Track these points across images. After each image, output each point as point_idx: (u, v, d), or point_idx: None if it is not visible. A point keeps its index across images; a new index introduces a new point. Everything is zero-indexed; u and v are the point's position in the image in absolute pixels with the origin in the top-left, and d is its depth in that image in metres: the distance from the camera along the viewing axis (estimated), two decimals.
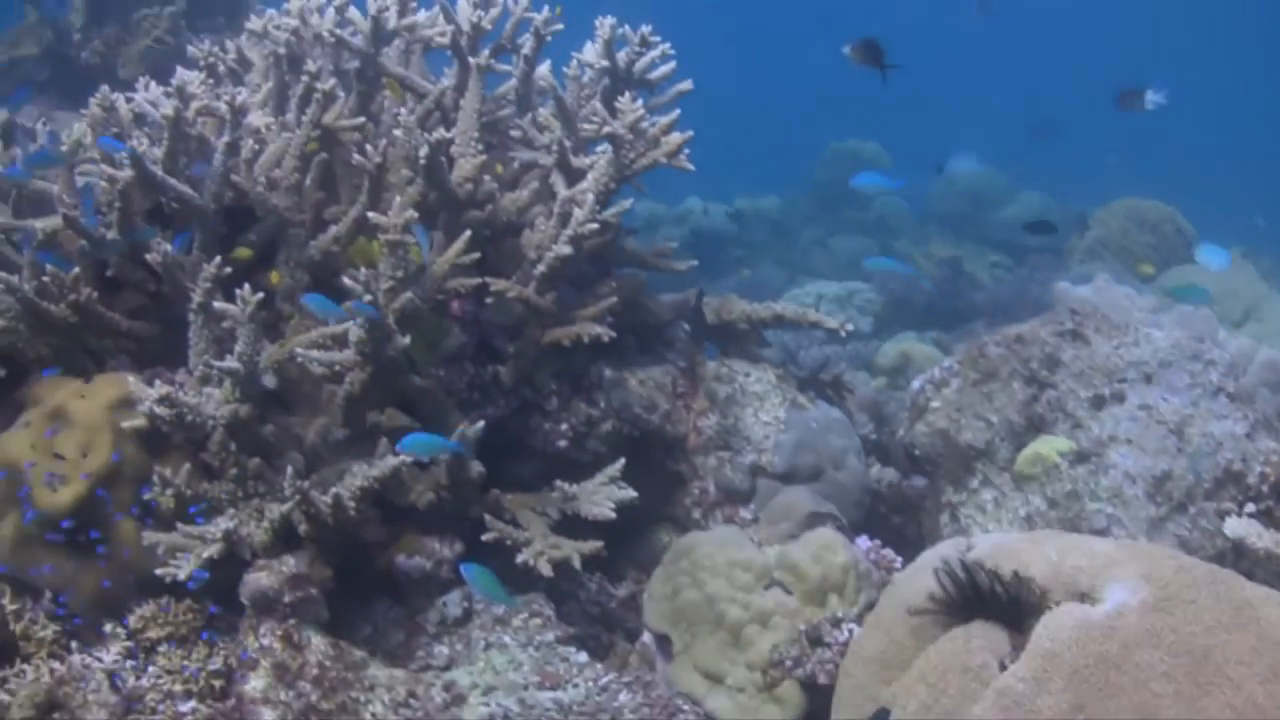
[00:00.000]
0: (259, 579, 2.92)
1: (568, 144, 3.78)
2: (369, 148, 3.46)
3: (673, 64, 4.14)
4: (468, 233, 3.41)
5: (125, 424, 3.11)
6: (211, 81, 3.94)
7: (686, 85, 4.16)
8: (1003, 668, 2.32)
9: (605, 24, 4.07)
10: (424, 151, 3.39)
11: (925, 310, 9.18)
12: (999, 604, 2.44)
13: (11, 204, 3.82)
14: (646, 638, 3.43)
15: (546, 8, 3.99)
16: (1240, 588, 2.34)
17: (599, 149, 3.79)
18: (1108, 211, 10.14)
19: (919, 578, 2.66)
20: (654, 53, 4.10)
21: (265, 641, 2.86)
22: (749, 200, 12.90)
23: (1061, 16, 31.24)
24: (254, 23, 4.06)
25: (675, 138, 3.73)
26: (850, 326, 4.23)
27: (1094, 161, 17.70)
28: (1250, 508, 3.42)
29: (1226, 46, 29.98)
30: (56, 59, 7.19)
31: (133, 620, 3.06)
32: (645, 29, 4.08)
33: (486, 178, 3.66)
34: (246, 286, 3.14)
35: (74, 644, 3.05)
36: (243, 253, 3.55)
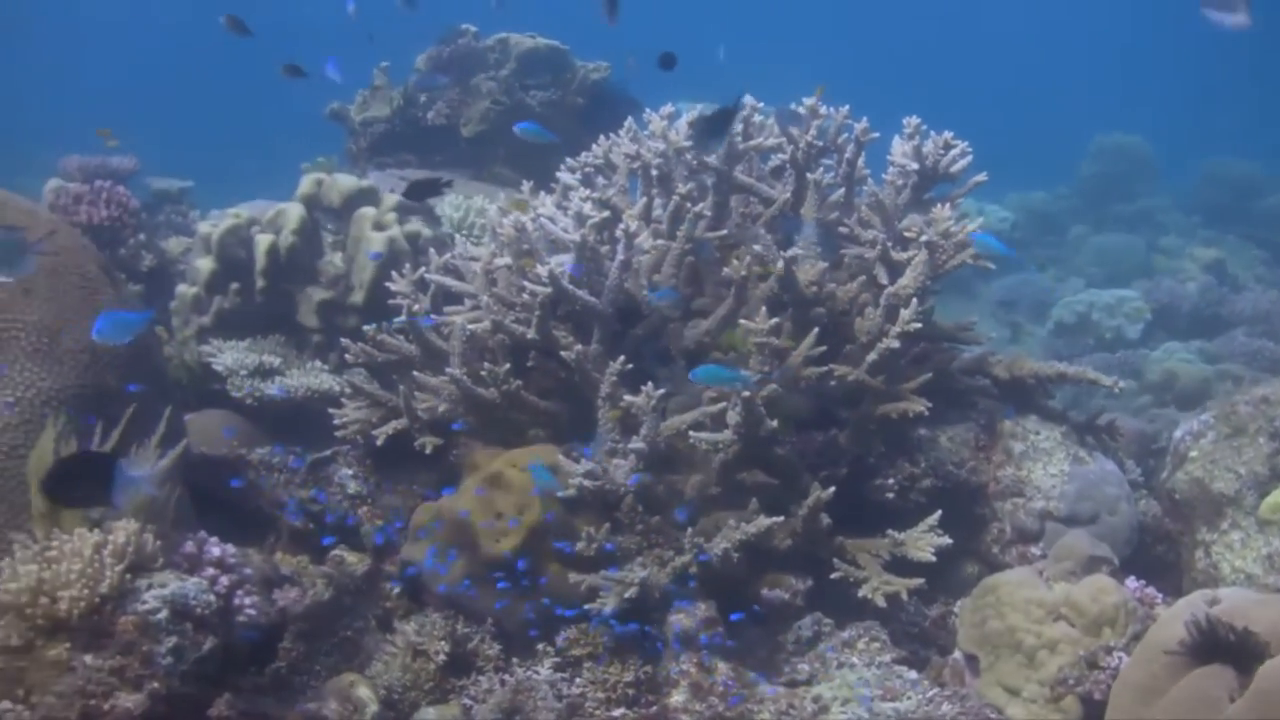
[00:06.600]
0: (680, 620, 3.80)
1: (889, 242, 4.52)
2: (735, 261, 4.29)
3: (970, 158, 4.73)
4: (816, 330, 4.18)
5: (560, 493, 4.00)
6: (586, 191, 4.76)
7: (982, 177, 4.77)
8: (1232, 701, 2.90)
9: (911, 123, 4.73)
10: (780, 265, 4.19)
11: (1190, 317, 9.61)
12: (1233, 651, 3.00)
13: (430, 298, 4.71)
14: (958, 655, 4.12)
15: (865, 119, 4.70)
16: None
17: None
18: None
19: (1173, 624, 3.22)
20: (954, 151, 4.72)
21: (684, 667, 3.74)
22: (1018, 196, 13.27)
23: None
24: (626, 146, 4.82)
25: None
26: (1122, 385, 4.83)
27: None
28: None
29: None
30: (404, 119, 8.08)
31: (561, 641, 3.92)
32: (947, 134, 4.71)
33: (825, 279, 4.43)
34: (649, 384, 4.00)
35: (514, 660, 3.94)
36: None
